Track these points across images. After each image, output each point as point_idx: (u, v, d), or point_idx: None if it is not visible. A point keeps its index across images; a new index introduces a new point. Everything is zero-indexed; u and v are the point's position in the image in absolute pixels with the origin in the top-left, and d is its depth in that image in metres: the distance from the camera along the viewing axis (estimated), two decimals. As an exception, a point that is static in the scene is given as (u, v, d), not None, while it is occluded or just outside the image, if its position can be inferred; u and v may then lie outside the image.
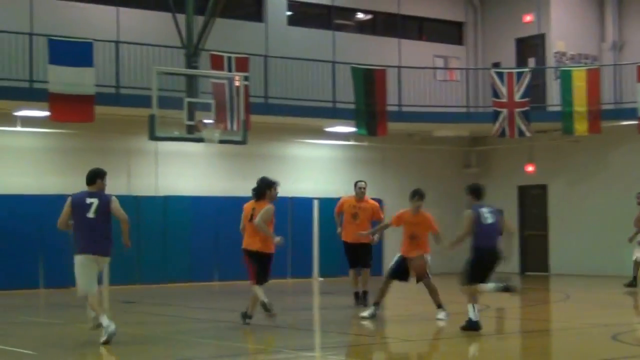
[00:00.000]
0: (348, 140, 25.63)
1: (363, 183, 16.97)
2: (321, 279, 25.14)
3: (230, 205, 21.69)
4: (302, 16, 26.60)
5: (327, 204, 25.57)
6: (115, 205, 12.02)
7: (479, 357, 11.63)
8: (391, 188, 26.76)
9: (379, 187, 26.80)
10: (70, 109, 19.78)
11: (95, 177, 12.18)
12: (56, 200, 22.08)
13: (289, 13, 25.96)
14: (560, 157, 26.74)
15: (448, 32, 28.96)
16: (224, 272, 23.67)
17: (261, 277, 13.55)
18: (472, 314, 12.68)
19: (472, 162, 28.52)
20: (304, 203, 25.34)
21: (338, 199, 17.56)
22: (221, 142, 19.83)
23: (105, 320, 11.66)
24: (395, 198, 23.89)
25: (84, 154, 22.63)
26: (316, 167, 26.04)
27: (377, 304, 14.60)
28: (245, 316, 13.68)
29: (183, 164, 23.70)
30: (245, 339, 13.17)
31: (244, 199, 17.10)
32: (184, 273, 23.27)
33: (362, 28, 28.20)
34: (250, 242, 13.60)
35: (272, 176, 12.84)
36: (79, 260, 11.93)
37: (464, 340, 12.38)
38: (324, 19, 26.65)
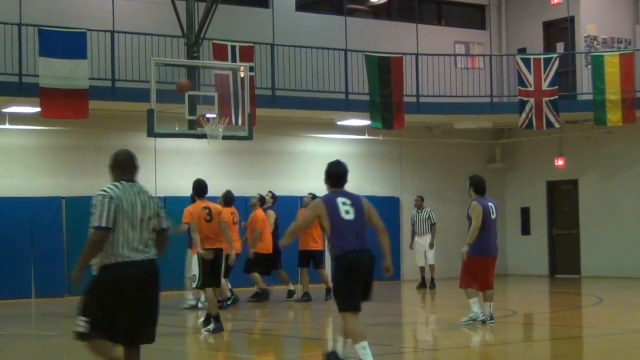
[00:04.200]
0: (362, 135, 25.64)
1: None
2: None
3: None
4: (311, 1, 26.61)
5: (341, 203, 25.59)
6: None
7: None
8: (409, 185, 26.78)
9: (396, 184, 26.86)
10: (62, 105, 19.82)
11: None
12: (48, 203, 22.39)
13: (297, -2, 25.98)
14: (592, 150, 26.72)
15: (470, 16, 28.92)
16: (233, 278, 23.66)
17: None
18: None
19: (497, 157, 28.50)
20: (315, 203, 25.31)
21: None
22: (225, 138, 19.86)
23: None
24: (413, 196, 23.93)
25: (78, 152, 22.72)
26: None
27: None
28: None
29: (184, 162, 23.72)
30: (255, 349, 13.23)
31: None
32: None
33: (377, 13, 28.20)
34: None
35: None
36: None
37: (495, 349, 12.36)
38: (336, 3, 26.64)
